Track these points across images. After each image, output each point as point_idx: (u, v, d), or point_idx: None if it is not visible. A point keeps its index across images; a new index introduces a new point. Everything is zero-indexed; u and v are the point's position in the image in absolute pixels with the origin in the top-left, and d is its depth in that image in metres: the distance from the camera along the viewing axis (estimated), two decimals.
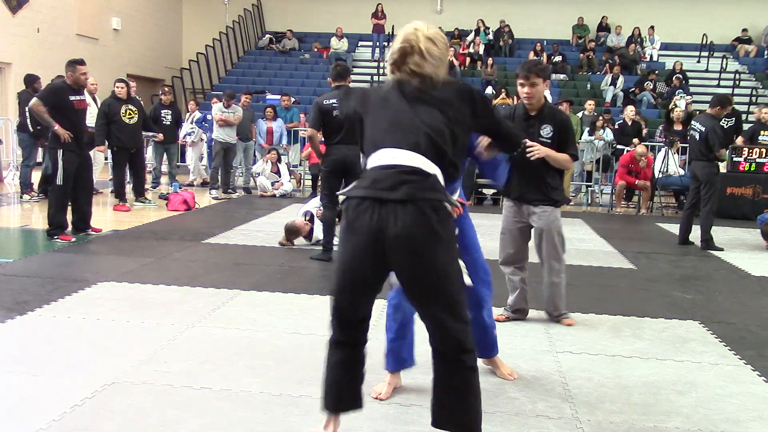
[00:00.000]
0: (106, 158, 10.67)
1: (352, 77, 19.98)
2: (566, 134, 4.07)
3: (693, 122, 7.50)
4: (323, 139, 5.85)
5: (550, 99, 13.92)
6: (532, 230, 4.22)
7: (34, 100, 6.43)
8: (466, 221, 3.14)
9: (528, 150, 3.82)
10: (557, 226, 4.16)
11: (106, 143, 8.76)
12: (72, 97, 6.43)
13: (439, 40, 2.52)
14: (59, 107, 6.32)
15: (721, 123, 7.57)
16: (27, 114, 9.04)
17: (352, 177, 5.53)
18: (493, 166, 3.10)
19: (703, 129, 7.11)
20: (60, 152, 6.32)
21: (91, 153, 7.71)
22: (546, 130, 4.02)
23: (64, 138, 6.28)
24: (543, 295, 4.33)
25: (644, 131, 12.04)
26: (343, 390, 2.46)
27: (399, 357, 3.13)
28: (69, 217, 6.63)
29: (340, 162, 5.63)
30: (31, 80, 9.46)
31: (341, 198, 2.42)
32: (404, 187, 2.22)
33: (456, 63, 17.10)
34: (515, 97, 14.62)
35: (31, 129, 9.03)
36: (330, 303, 2.44)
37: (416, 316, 2.89)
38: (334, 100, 5.62)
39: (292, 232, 6.45)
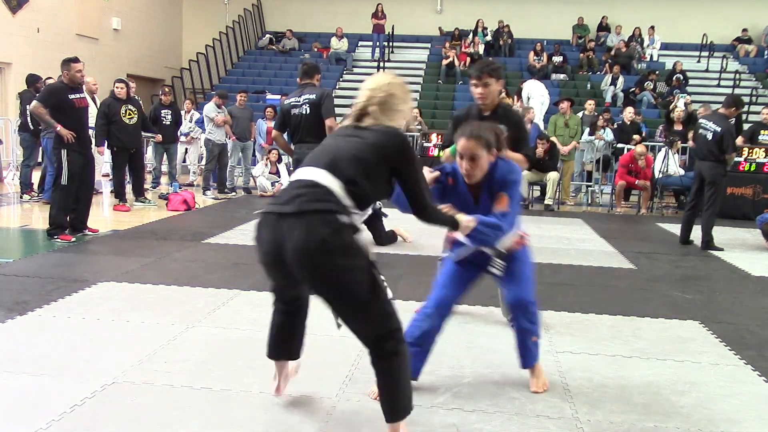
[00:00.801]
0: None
1: (353, 77, 19.94)
2: (520, 134, 4.10)
3: (703, 121, 7.27)
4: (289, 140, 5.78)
5: (544, 99, 14.01)
6: None
7: (34, 102, 6.42)
8: (523, 253, 3.21)
9: None
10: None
11: (105, 143, 8.76)
12: (71, 96, 6.41)
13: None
14: (59, 107, 6.32)
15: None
16: (28, 114, 9.07)
17: None
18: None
19: (718, 129, 6.93)
20: (64, 153, 6.33)
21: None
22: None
23: (67, 138, 6.28)
24: (500, 299, 4.32)
25: (643, 133, 12.03)
26: (279, 344, 2.88)
27: None
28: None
29: (301, 162, 5.52)
30: (33, 80, 9.48)
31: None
32: (297, 201, 2.40)
33: (457, 63, 17.12)
34: (515, 97, 14.64)
35: (31, 127, 9.05)
36: None
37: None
38: (294, 99, 5.54)
39: None
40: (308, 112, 5.50)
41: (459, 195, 3.11)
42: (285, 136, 6.10)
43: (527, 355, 3.20)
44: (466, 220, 2.88)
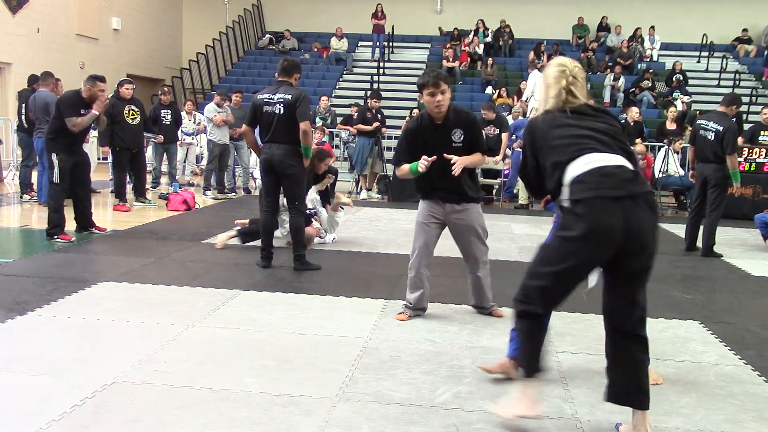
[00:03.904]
0: (99, 158, 10.72)
1: (352, 77, 19.95)
2: (475, 133, 4.13)
3: (703, 121, 6.87)
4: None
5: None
6: (454, 227, 4.21)
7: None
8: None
9: (451, 170, 3.92)
10: (481, 222, 4.22)
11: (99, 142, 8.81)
12: (83, 111, 6.50)
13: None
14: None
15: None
16: (23, 114, 9.11)
17: (285, 179, 5.36)
18: None
19: (720, 128, 6.59)
20: (54, 154, 6.40)
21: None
22: (457, 135, 4.05)
23: (101, 108, 6.59)
24: (469, 290, 4.36)
25: (644, 134, 12.04)
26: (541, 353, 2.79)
27: None
28: (70, 216, 6.65)
29: (267, 162, 5.37)
30: (33, 80, 9.52)
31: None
32: None
33: (456, 63, 17.11)
34: (515, 97, 14.65)
35: (26, 126, 9.08)
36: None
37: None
38: (267, 96, 5.34)
39: (306, 243, 6.40)
40: (282, 112, 5.25)
41: None
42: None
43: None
44: None
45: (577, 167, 2.56)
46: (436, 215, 4.17)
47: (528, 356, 2.74)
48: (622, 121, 11.91)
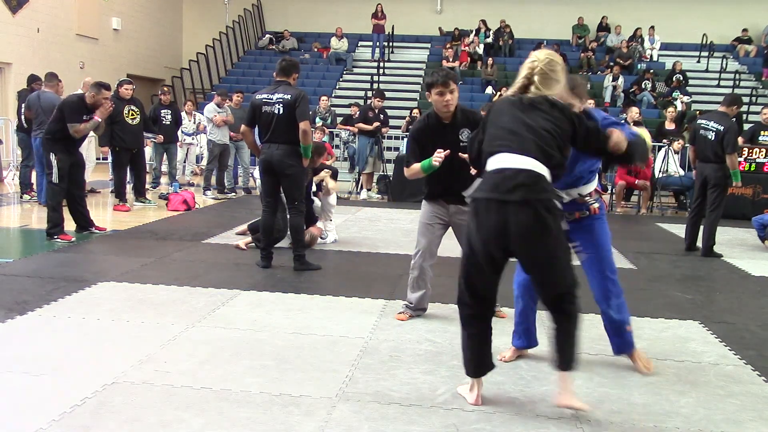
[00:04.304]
0: (98, 158, 10.72)
1: (352, 77, 19.90)
2: None
3: (703, 121, 6.87)
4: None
5: None
6: (459, 229, 4.12)
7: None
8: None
9: (462, 169, 3.84)
10: None
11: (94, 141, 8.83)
12: (84, 117, 6.52)
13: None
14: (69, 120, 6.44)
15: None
16: (22, 114, 9.13)
17: (285, 179, 5.37)
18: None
19: (720, 128, 6.57)
20: (51, 154, 6.41)
21: (84, 153, 7.80)
22: (464, 135, 4.01)
23: (104, 115, 6.67)
24: None
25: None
26: (480, 357, 3.01)
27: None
28: (69, 216, 6.67)
29: (267, 162, 5.37)
30: (32, 80, 9.53)
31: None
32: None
33: (456, 63, 17.10)
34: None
35: (25, 126, 9.10)
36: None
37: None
38: (266, 96, 5.33)
39: (310, 243, 6.40)
40: (281, 112, 5.25)
41: None
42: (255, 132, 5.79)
43: (625, 343, 3.54)
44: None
45: (490, 164, 2.81)
46: (440, 216, 4.16)
47: (468, 359, 3.00)
48: (622, 122, 11.96)
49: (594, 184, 3.43)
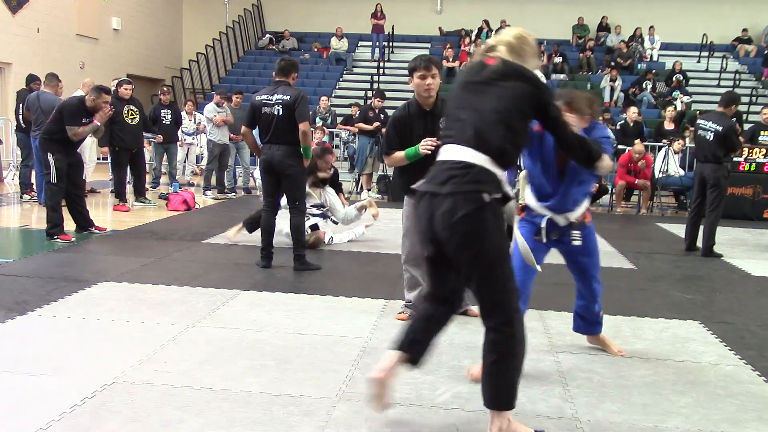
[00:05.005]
0: (99, 158, 10.73)
1: (352, 77, 19.86)
2: None
3: (702, 122, 6.90)
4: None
5: None
6: None
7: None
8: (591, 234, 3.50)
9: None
10: None
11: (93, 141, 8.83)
12: (84, 120, 6.53)
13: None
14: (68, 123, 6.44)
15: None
16: (21, 114, 9.13)
17: (285, 179, 5.38)
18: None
19: (719, 128, 6.59)
20: (49, 154, 6.42)
21: (84, 153, 7.82)
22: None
23: (103, 119, 6.69)
24: None
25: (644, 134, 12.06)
26: (416, 336, 2.69)
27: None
28: (69, 217, 6.67)
29: (267, 162, 5.37)
30: (31, 80, 9.53)
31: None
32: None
33: (456, 63, 17.10)
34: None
35: (23, 126, 9.11)
36: None
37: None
38: (266, 97, 5.32)
39: (314, 245, 6.41)
40: (280, 113, 5.25)
41: (545, 163, 3.26)
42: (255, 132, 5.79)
43: (592, 324, 3.70)
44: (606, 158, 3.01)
45: (438, 157, 2.65)
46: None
47: (406, 332, 2.69)
48: (621, 122, 12.00)
49: (586, 205, 3.44)
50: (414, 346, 2.66)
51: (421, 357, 2.68)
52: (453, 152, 2.54)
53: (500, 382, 2.51)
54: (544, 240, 3.35)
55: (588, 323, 3.69)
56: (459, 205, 2.42)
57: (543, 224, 3.32)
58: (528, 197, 3.36)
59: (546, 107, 2.64)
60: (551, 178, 3.27)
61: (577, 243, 3.39)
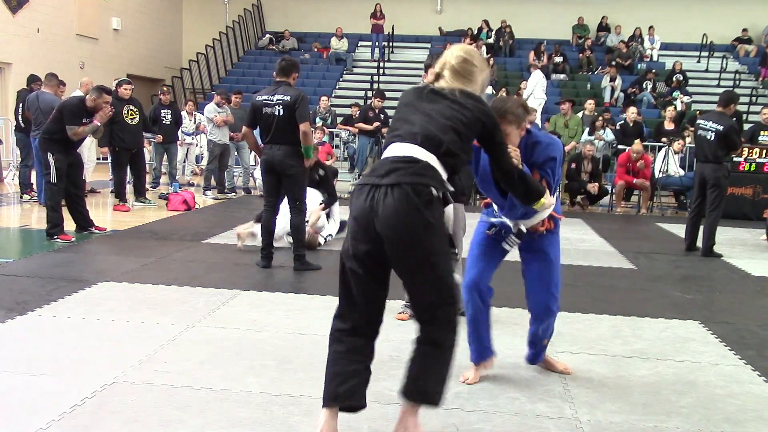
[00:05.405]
0: (98, 158, 10.73)
1: (352, 77, 19.88)
2: None
3: (702, 122, 6.91)
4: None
5: (541, 101, 13.98)
6: None
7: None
8: (552, 244, 3.21)
9: None
10: (460, 225, 4.20)
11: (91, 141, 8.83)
12: (84, 120, 6.53)
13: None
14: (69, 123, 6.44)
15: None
16: (20, 114, 9.13)
17: (286, 179, 5.37)
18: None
19: (720, 128, 6.59)
20: (49, 154, 6.42)
21: (83, 153, 7.82)
22: None
23: (103, 120, 6.69)
24: None
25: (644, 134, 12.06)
26: (340, 382, 2.50)
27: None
28: (69, 217, 6.67)
29: (268, 162, 5.38)
30: (32, 80, 9.53)
31: None
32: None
33: None
34: (515, 97, 14.64)
35: (23, 126, 9.11)
36: None
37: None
38: (267, 97, 5.33)
39: (310, 246, 6.38)
40: (281, 113, 5.26)
41: (484, 179, 3.05)
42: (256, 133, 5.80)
43: (537, 354, 3.41)
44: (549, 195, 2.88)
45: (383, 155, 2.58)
46: None
47: (326, 381, 2.49)
48: (621, 122, 12.01)
49: (544, 215, 3.10)
50: (347, 395, 2.47)
51: (359, 401, 2.49)
52: (398, 149, 2.47)
53: (437, 378, 2.44)
54: (489, 232, 3.17)
55: (536, 352, 3.42)
56: (408, 197, 2.32)
57: (495, 221, 3.16)
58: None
59: (492, 130, 2.59)
60: (493, 191, 3.05)
61: (507, 248, 3.17)
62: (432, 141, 2.44)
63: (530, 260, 3.21)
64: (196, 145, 12.66)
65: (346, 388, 2.44)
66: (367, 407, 2.52)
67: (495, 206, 3.17)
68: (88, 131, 6.62)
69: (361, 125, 11.20)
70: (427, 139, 2.44)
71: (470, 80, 2.62)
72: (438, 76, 2.64)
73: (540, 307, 3.22)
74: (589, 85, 16.88)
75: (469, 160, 2.63)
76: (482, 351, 3.25)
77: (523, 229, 3.09)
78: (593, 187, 10.30)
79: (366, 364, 2.52)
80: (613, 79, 16.07)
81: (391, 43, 18.92)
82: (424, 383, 2.44)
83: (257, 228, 6.00)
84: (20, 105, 9.25)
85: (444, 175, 2.44)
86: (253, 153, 11.58)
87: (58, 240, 6.32)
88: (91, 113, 6.56)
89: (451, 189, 2.48)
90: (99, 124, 6.62)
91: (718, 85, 16.70)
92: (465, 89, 2.58)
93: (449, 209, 2.48)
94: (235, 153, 11.07)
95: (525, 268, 3.25)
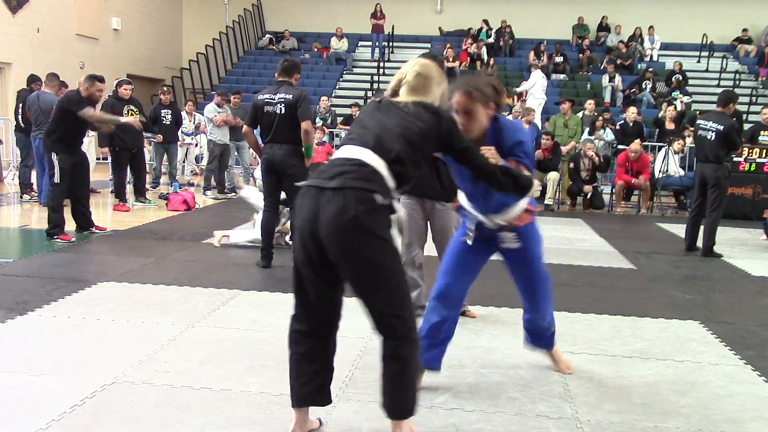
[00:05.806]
0: (98, 158, 10.74)
1: (352, 77, 19.88)
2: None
3: (702, 122, 6.90)
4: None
5: (541, 102, 13.98)
6: (433, 226, 4.13)
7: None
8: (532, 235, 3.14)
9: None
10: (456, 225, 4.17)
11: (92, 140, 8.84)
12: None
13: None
14: (71, 115, 6.40)
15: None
16: (20, 114, 9.13)
17: (287, 179, 5.34)
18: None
19: (720, 128, 6.57)
20: (53, 154, 6.41)
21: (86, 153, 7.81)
22: None
23: (137, 127, 7.00)
24: None
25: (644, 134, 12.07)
26: (304, 384, 2.58)
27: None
28: (69, 217, 6.67)
29: (269, 162, 5.38)
30: (32, 80, 9.54)
31: None
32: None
33: (456, 63, 17.11)
34: (515, 97, 14.66)
35: (23, 126, 9.11)
36: None
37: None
38: (268, 96, 5.34)
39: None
40: (283, 112, 5.28)
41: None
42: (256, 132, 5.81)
43: (547, 341, 3.41)
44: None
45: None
46: (418, 212, 4.12)
47: (291, 384, 2.57)
48: (621, 122, 12.01)
49: (522, 206, 3.01)
50: (311, 395, 2.55)
51: (324, 399, 2.58)
52: (348, 151, 2.45)
53: (405, 391, 2.43)
54: (469, 242, 3.10)
55: (534, 336, 3.38)
56: (350, 204, 2.28)
57: (471, 225, 3.10)
58: (461, 197, 3.13)
59: (448, 138, 2.55)
60: (466, 180, 2.98)
61: (512, 246, 3.09)
62: (383, 147, 2.42)
63: (511, 260, 3.17)
64: (196, 145, 12.66)
65: (310, 389, 2.54)
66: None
67: (467, 204, 3.09)
68: (108, 120, 6.61)
69: None
70: (379, 145, 2.43)
71: (426, 93, 2.61)
72: (395, 92, 2.66)
73: (530, 306, 3.27)
74: (589, 85, 16.88)
75: (418, 173, 2.56)
76: (438, 357, 3.12)
77: (502, 223, 3.03)
78: (588, 189, 10.31)
79: (327, 363, 2.58)
80: (612, 79, 16.07)
81: (391, 43, 18.92)
82: (403, 399, 2.44)
83: (233, 233, 6.20)
84: (20, 105, 9.25)
85: (391, 183, 2.41)
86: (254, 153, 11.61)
87: (58, 240, 6.32)
88: (88, 103, 6.53)
89: (398, 197, 2.45)
90: (123, 121, 6.62)
91: (718, 85, 16.70)
92: (421, 101, 2.57)
93: (402, 215, 2.46)
94: (235, 153, 11.07)
95: (509, 269, 3.25)
